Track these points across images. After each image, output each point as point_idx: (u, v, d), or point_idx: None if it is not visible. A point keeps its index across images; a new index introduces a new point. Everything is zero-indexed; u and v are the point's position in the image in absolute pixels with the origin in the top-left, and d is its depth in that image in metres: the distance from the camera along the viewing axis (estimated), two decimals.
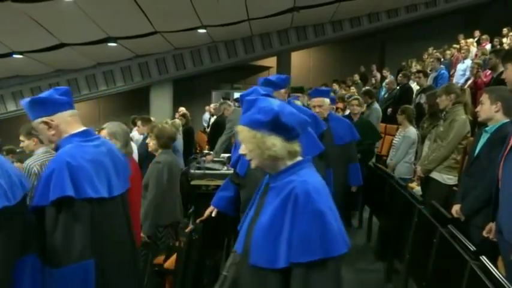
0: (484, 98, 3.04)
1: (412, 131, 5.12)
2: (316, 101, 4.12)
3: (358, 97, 5.77)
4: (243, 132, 1.56)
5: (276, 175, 1.58)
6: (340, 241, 1.47)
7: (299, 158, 1.59)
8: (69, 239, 1.85)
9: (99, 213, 1.96)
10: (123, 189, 2.15)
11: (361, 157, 5.13)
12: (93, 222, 1.92)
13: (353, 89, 10.75)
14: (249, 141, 1.54)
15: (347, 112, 6.09)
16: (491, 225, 2.65)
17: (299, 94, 4.88)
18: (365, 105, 6.42)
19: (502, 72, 5.10)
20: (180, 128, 7.00)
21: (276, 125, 1.50)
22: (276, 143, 1.51)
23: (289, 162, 1.56)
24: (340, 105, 6.06)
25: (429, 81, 7.52)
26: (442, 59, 9.82)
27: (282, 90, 3.07)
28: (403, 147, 5.10)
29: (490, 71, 6.42)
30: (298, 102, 4.25)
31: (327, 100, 4.17)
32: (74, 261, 1.83)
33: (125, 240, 2.15)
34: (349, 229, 5.48)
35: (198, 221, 2.60)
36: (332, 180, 3.52)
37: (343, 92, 10.47)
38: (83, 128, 2.06)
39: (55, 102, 2.03)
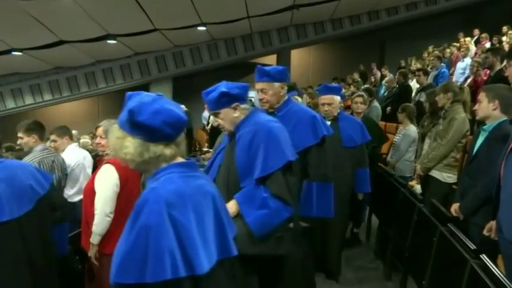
0: (482, 96, 3.03)
1: (412, 129, 5.10)
2: (325, 98, 3.76)
3: (363, 93, 5.24)
4: (112, 130, 1.44)
5: (147, 181, 1.44)
6: (165, 266, 1.24)
7: (175, 161, 1.42)
8: None
9: None
10: (19, 213, 2.22)
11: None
12: None
13: (352, 88, 10.74)
14: (111, 141, 1.43)
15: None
16: (492, 224, 2.65)
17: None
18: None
19: (499, 71, 5.11)
20: None
21: (133, 125, 1.35)
22: (128, 145, 1.37)
23: (164, 165, 1.41)
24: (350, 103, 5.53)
25: (430, 80, 7.51)
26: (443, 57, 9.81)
27: (276, 84, 2.79)
28: (403, 146, 5.08)
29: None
30: (299, 99, 4.04)
31: (337, 98, 3.79)
32: None
33: (20, 261, 2.21)
34: (357, 244, 4.96)
35: None
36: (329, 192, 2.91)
37: (344, 90, 10.43)
38: None
39: None
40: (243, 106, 2.34)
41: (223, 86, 2.30)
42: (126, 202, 2.92)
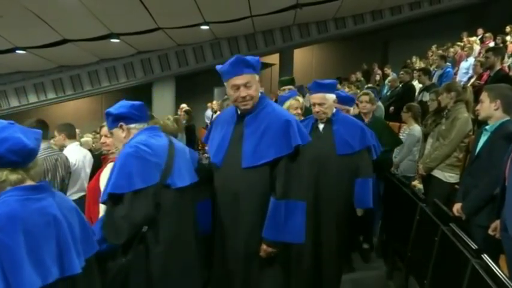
0: (484, 96, 3.04)
1: (416, 129, 5.09)
2: (316, 97, 3.16)
3: (369, 92, 4.76)
4: None
5: None
6: None
7: (22, 185, 1.48)
8: None
9: None
10: None
11: (375, 168, 4.00)
12: None
13: (351, 88, 10.68)
14: None
15: (356, 111, 4.72)
16: (497, 223, 2.65)
17: (290, 87, 4.34)
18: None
19: (499, 70, 5.12)
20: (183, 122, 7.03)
21: None
22: None
23: (8, 189, 1.47)
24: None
25: (434, 79, 7.50)
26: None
27: (257, 77, 2.38)
28: (407, 145, 5.08)
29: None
30: (300, 100, 3.51)
31: (331, 96, 3.19)
32: None
33: None
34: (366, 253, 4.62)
35: None
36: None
37: (346, 89, 10.41)
38: None
39: None
40: (131, 126, 2.24)
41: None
42: None
